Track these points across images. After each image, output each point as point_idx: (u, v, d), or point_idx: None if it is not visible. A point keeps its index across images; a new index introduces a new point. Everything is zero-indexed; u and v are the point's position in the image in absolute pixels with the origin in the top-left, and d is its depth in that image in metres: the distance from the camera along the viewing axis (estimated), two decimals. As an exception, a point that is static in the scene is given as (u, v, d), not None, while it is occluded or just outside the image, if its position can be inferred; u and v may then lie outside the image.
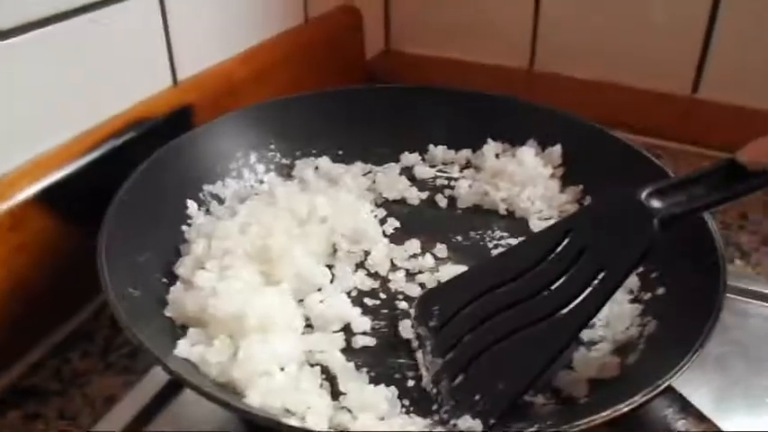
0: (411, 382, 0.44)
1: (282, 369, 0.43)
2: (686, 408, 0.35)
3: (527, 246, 0.49)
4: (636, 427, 0.35)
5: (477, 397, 0.40)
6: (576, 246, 0.42)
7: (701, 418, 0.35)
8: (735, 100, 0.75)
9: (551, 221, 0.59)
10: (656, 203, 0.41)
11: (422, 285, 0.52)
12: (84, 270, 0.44)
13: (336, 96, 0.66)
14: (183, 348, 0.43)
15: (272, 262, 0.49)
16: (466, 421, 0.39)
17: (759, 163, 0.40)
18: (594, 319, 0.48)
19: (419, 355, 0.46)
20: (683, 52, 0.76)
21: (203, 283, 0.47)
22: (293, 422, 0.39)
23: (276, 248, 0.49)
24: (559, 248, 0.43)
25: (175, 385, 0.46)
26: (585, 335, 0.47)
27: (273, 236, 0.50)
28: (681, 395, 0.36)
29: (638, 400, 0.35)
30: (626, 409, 0.34)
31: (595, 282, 0.40)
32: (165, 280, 0.49)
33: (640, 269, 0.51)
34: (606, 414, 0.34)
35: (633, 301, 0.50)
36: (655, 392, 0.35)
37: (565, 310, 0.40)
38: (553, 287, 0.42)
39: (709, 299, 0.42)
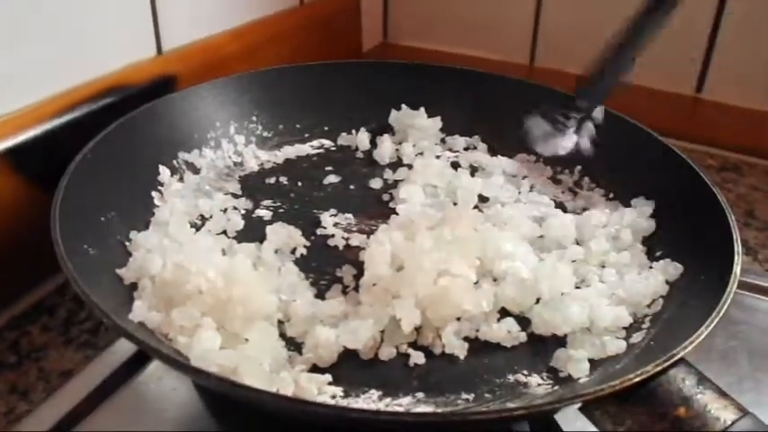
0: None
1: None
2: (703, 382, 0.31)
3: None
4: (648, 402, 0.31)
5: None
6: None
7: (720, 393, 0.31)
8: (738, 101, 0.74)
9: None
10: None
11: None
12: (49, 240, 0.40)
13: (329, 69, 0.62)
14: (139, 311, 0.40)
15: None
16: None
17: None
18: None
19: None
20: (687, 52, 0.75)
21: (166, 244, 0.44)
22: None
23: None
24: None
25: (136, 362, 0.44)
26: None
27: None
28: (697, 369, 0.32)
29: (650, 370, 0.31)
30: (637, 380, 0.31)
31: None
32: (126, 243, 0.46)
33: (644, 249, 0.48)
34: (616, 383, 0.31)
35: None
36: (668, 363, 0.32)
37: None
38: None
39: (722, 273, 0.39)
